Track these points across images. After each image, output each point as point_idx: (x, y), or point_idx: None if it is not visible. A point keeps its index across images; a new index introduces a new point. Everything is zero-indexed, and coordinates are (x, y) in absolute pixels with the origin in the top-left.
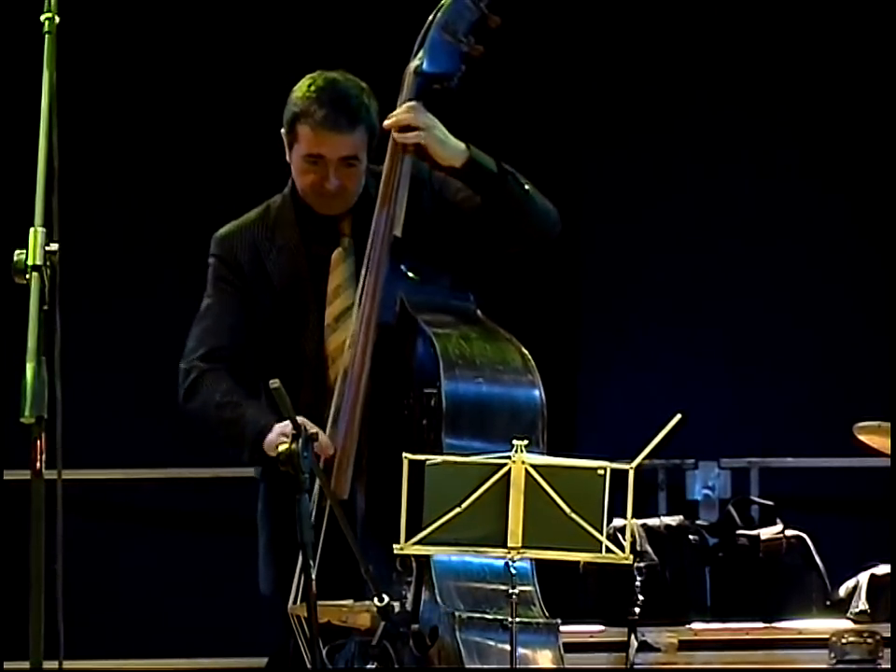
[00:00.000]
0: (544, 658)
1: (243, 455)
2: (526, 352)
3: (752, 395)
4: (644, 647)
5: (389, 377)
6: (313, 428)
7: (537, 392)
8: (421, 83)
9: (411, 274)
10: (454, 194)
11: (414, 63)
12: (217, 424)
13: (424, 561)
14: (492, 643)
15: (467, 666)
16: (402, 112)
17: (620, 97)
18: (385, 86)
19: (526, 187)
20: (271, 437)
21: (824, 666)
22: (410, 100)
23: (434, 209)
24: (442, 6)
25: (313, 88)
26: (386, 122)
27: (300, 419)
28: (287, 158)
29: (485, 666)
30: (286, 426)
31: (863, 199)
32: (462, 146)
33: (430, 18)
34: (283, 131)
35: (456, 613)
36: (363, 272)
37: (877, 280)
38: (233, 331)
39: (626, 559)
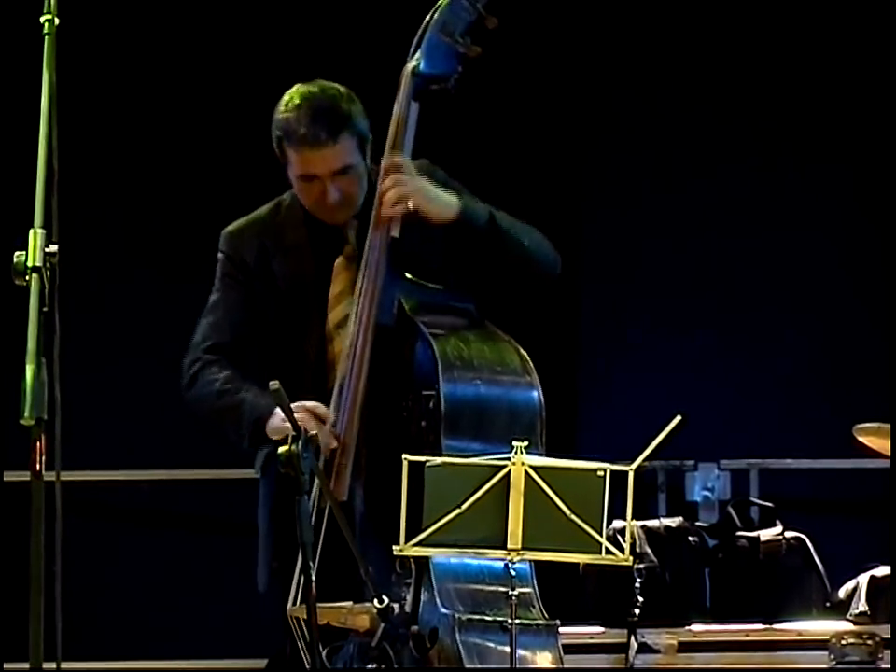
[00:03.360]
0: (544, 659)
1: (242, 441)
2: (525, 353)
3: (752, 396)
4: (644, 648)
5: (388, 379)
6: (319, 416)
7: (535, 393)
8: (418, 84)
9: (409, 276)
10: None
11: (411, 64)
12: (217, 411)
13: (423, 563)
14: (492, 645)
15: (470, 668)
16: (390, 182)
17: (620, 98)
18: (382, 87)
19: (519, 237)
20: (274, 420)
21: (824, 667)
22: (405, 102)
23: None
24: (439, 6)
25: (290, 106)
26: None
27: (310, 403)
28: (288, 173)
29: (484, 667)
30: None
31: (863, 200)
32: (454, 200)
33: (427, 19)
34: (274, 149)
35: (456, 615)
36: (361, 273)
37: (877, 281)
38: (237, 327)
39: (626, 560)
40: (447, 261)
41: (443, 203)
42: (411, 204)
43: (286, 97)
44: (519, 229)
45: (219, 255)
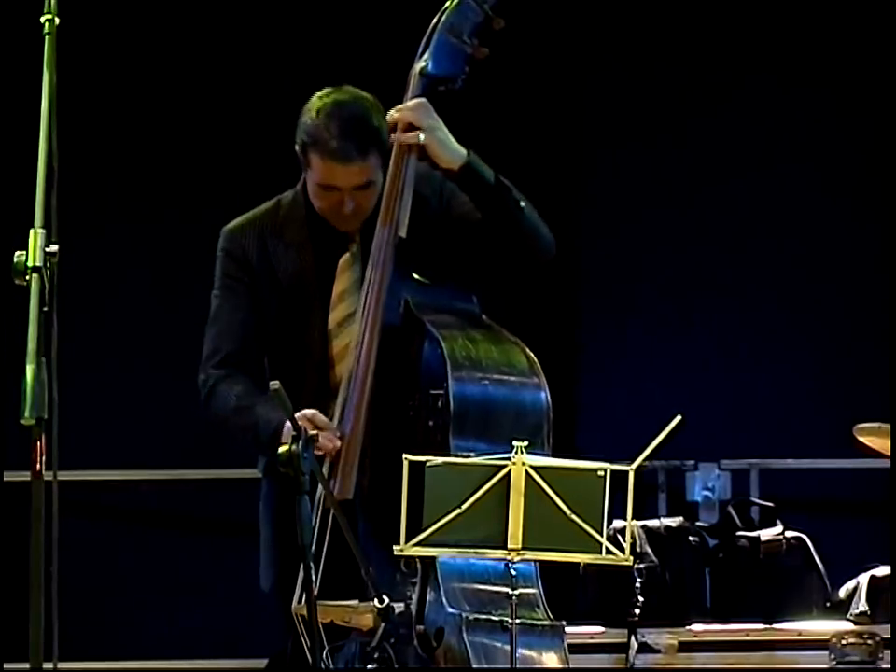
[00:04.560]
0: (549, 660)
1: (267, 456)
2: (532, 355)
3: (752, 396)
4: (644, 648)
5: (394, 378)
6: (318, 426)
7: (543, 395)
8: (426, 84)
9: (415, 276)
10: (461, 205)
11: (419, 65)
12: (236, 430)
13: (429, 562)
14: (499, 645)
15: (474, 667)
16: (407, 110)
17: (619, 94)
18: (390, 87)
19: (522, 203)
20: (284, 435)
21: (824, 667)
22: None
23: (441, 218)
24: (447, 8)
25: (322, 114)
26: (390, 116)
27: (309, 412)
28: (304, 173)
29: (483, 667)
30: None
31: (865, 201)
32: (463, 150)
33: (435, 20)
34: (296, 148)
35: (463, 615)
36: (367, 272)
37: (877, 281)
38: (244, 332)
39: (626, 560)
40: (450, 252)
41: (454, 149)
42: (422, 138)
43: (317, 102)
44: (519, 194)
45: (219, 253)
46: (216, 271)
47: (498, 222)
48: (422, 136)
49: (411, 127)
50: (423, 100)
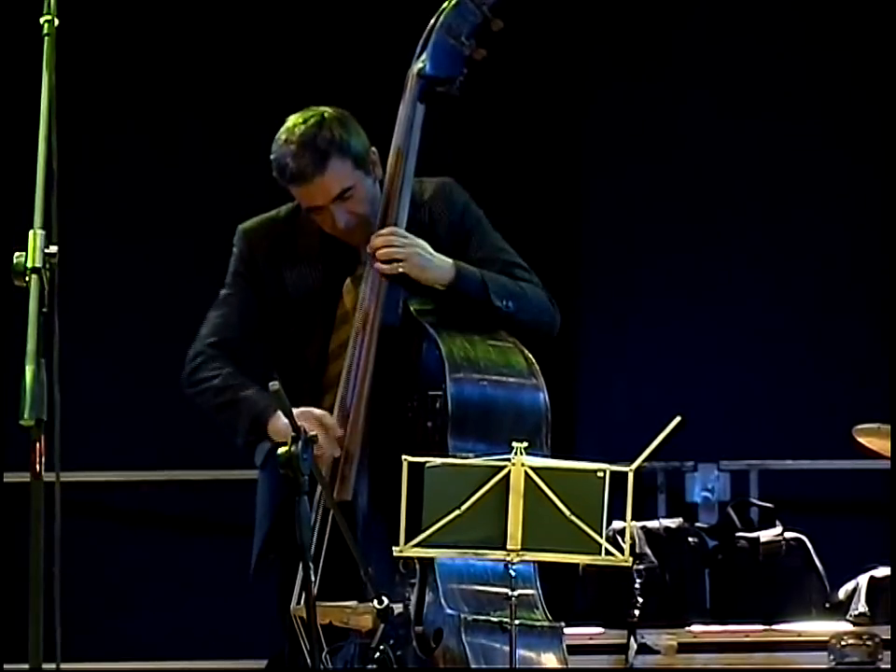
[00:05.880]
0: (549, 661)
1: (237, 438)
2: (531, 356)
3: (752, 397)
4: (643, 649)
5: (393, 379)
6: (325, 426)
7: (541, 396)
8: (423, 86)
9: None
10: (475, 250)
11: (417, 66)
12: (216, 406)
13: (428, 563)
14: (498, 646)
15: (473, 668)
16: (379, 248)
17: (621, 91)
18: (387, 89)
19: (510, 304)
20: (277, 421)
21: (824, 668)
22: (411, 104)
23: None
24: (445, 9)
25: (278, 143)
26: (369, 247)
27: (318, 412)
28: None
29: (481, 667)
30: (301, 412)
31: (865, 202)
32: (447, 265)
33: (433, 21)
34: None
35: (462, 616)
36: (366, 273)
37: (877, 282)
38: (244, 326)
39: (626, 561)
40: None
41: (436, 269)
42: (401, 269)
43: (277, 136)
44: (512, 295)
45: (233, 249)
46: (230, 264)
47: (493, 318)
48: (401, 268)
49: (389, 259)
50: (392, 228)
